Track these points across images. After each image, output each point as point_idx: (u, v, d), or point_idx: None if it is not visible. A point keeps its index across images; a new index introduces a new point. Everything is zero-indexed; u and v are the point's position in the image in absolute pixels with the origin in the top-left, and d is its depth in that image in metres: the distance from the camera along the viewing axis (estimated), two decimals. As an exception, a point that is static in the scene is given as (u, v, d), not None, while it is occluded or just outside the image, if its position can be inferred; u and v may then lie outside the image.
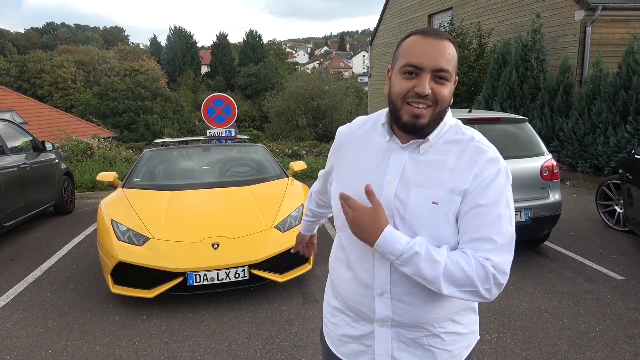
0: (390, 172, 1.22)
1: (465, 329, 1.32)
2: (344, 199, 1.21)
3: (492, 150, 1.20)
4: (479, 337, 1.41)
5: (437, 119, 1.18)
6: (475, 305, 1.37)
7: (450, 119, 1.25)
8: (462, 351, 1.32)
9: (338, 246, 1.39)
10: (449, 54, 1.13)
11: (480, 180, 1.16)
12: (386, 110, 1.28)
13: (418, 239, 1.14)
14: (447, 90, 1.15)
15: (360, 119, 1.40)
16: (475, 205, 1.15)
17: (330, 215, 1.61)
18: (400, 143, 1.23)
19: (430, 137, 1.20)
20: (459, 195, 1.16)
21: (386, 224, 1.16)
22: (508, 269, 1.15)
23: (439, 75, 1.13)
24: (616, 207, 5.69)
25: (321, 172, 1.62)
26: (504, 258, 1.14)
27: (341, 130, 1.41)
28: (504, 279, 1.13)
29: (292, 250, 1.96)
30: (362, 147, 1.31)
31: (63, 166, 7.08)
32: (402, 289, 1.22)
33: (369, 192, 1.18)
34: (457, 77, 1.21)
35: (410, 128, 1.17)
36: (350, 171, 1.31)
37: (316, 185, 1.70)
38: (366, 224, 1.16)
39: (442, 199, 1.16)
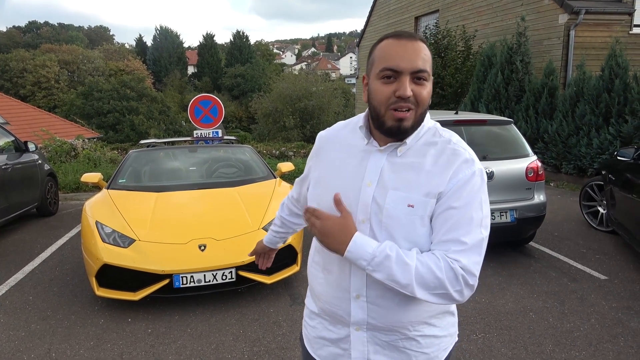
0: (368, 175, 1.22)
1: (442, 331, 1.32)
2: (310, 212, 1.22)
3: (469, 153, 1.21)
4: (457, 338, 1.41)
5: (419, 121, 1.19)
6: (454, 307, 1.37)
7: (429, 121, 1.25)
8: (439, 353, 1.32)
9: (315, 250, 1.39)
10: (425, 55, 1.14)
11: (455, 182, 1.17)
12: (365, 113, 1.29)
13: (387, 242, 1.15)
14: (426, 91, 1.16)
15: (340, 123, 1.40)
16: (448, 207, 1.16)
17: (301, 228, 1.58)
18: (378, 146, 1.24)
19: (408, 140, 1.21)
20: (434, 198, 1.17)
21: (355, 230, 1.17)
22: (477, 271, 1.15)
23: (417, 77, 1.13)
24: (599, 208, 5.78)
25: (298, 179, 1.58)
26: (473, 259, 1.15)
27: (321, 134, 1.41)
28: (473, 281, 1.13)
29: (248, 254, 1.89)
30: (341, 150, 1.31)
31: (46, 167, 6.96)
32: (377, 292, 1.22)
33: (337, 202, 1.20)
34: (432, 78, 1.21)
35: (395, 132, 1.17)
36: (328, 174, 1.31)
37: (292, 191, 1.65)
38: (336, 232, 1.17)
39: (417, 202, 1.17)
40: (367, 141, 1.26)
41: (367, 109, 1.27)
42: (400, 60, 1.12)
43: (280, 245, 1.81)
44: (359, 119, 1.31)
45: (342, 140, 1.33)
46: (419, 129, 1.22)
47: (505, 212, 4.53)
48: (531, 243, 5.19)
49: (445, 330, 1.34)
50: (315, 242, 1.40)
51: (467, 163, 1.19)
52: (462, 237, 1.14)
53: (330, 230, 1.17)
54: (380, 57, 1.16)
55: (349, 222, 1.18)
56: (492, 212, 4.51)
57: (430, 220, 1.18)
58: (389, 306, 1.22)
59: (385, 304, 1.22)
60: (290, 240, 3.79)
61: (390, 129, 1.17)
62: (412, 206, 1.17)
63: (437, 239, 1.16)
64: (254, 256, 1.83)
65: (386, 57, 1.14)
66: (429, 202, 1.17)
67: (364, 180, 1.22)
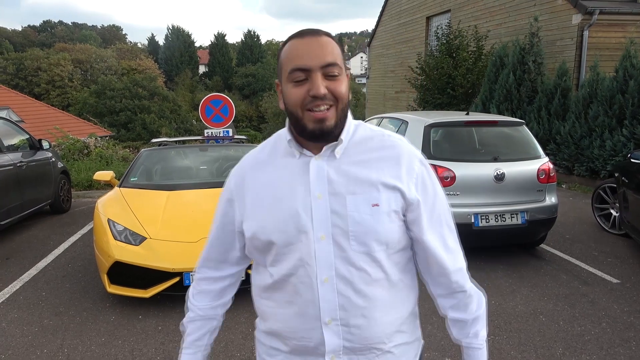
0: (315, 187, 1.12)
1: (410, 337, 1.26)
2: None
3: (407, 142, 1.20)
4: (423, 341, 1.33)
5: (342, 118, 1.11)
6: (417, 309, 1.30)
7: (352, 119, 1.19)
8: None
9: (265, 286, 1.22)
10: (332, 48, 1.08)
11: (413, 176, 1.15)
12: (284, 130, 1.20)
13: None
14: (343, 86, 1.09)
15: (252, 151, 1.27)
16: (420, 210, 1.16)
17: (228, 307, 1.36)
18: (313, 155, 1.14)
19: (343, 137, 1.13)
20: (397, 192, 1.13)
21: None
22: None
23: (329, 72, 1.06)
24: (612, 211, 5.71)
25: (212, 236, 1.33)
26: (462, 262, 1.27)
27: (235, 169, 1.26)
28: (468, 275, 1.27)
29: None
30: (269, 173, 1.18)
31: (59, 165, 7.06)
32: (351, 312, 1.13)
33: None
34: (349, 73, 1.15)
35: (319, 134, 1.09)
36: (264, 202, 1.17)
37: (208, 255, 1.33)
38: None
39: (380, 199, 1.11)
40: (299, 154, 1.15)
41: (287, 122, 1.19)
42: (306, 58, 1.05)
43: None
44: (278, 136, 1.23)
45: (266, 164, 1.20)
46: (347, 124, 1.15)
47: (516, 214, 4.50)
48: (542, 245, 5.15)
49: (414, 335, 1.27)
50: (261, 278, 1.24)
51: (414, 154, 1.17)
52: (446, 237, 1.23)
53: None
54: (287, 59, 1.08)
55: None
56: (503, 213, 4.49)
57: (402, 216, 1.15)
58: (365, 324, 1.15)
59: (361, 322, 1.14)
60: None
61: (312, 132, 1.08)
62: (377, 205, 1.11)
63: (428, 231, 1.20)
64: None
65: (292, 58, 1.07)
66: (391, 196, 1.12)
67: (312, 194, 1.12)
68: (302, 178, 1.14)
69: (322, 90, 1.05)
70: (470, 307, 1.24)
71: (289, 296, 1.16)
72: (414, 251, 1.24)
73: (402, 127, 5.30)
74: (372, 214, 1.11)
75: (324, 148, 1.13)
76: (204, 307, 1.32)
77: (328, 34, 1.11)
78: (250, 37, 52.43)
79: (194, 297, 1.33)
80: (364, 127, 1.19)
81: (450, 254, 1.22)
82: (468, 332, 1.24)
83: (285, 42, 1.12)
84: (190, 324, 1.32)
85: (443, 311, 1.27)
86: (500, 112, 9.85)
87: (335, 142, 1.13)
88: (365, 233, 1.11)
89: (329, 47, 1.08)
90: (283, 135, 1.20)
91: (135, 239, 3.70)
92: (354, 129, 1.18)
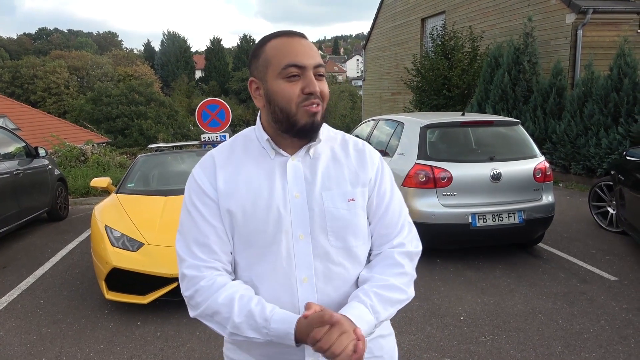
0: (293, 187, 1.14)
1: (384, 330, 1.27)
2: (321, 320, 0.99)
3: (362, 141, 1.28)
4: (393, 331, 1.34)
5: (324, 117, 1.17)
6: None
7: None
8: (392, 353, 1.30)
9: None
10: (317, 51, 1.13)
11: (377, 172, 1.23)
12: (251, 130, 1.22)
13: (357, 297, 1.11)
14: (327, 87, 1.15)
15: (214, 151, 1.21)
16: (379, 194, 1.22)
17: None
18: (288, 155, 1.17)
19: (322, 136, 1.18)
20: (366, 186, 1.21)
21: (346, 318, 1.03)
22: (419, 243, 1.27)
23: (318, 72, 1.11)
24: (609, 209, 5.73)
25: (197, 236, 1.16)
26: (413, 237, 1.26)
27: (197, 168, 1.20)
28: (416, 254, 1.24)
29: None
30: (244, 171, 1.16)
31: (56, 172, 7.04)
32: (331, 310, 1.08)
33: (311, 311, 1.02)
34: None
35: (309, 129, 1.12)
36: (241, 189, 1.14)
37: (208, 248, 1.15)
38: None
39: (355, 194, 1.18)
40: (274, 153, 1.17)
41: (254, 126, 1.21)
42: (302, 56, 1.09)
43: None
44: (247, 137, 1.21)
45: (240, 162, 1.18)
46: (322, 127, 1.20)
47: (514, 214, 4.51)
48: (540, 244, 5.15)
49: (387, 329, 1.29)
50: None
51: (374, 152, 1.27)
52: (404, 221, 1.25)
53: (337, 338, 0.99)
54: (279, 55, 1.09)
55: (345, 322, 1.02)
56: (500, 213, 4.49)
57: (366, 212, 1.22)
58: None
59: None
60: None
61: (304, 127, 1.11)
62: (353, 199, 1.18)
63: (374, 225, 1.23)
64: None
65: (286, 54, 1.09)
66: (364, 191, 1.20)
67: (289, 193, 1.14)
68: (279, 178, 1.15)
69: (317, 87, 1.10)
70: (399, 280, 1.17)
71: (266, 298, 1.11)
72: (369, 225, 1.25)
73: (398, 128, 5.31)
74: (348, 209, 1.17)
75: (303, 148, 1.17)
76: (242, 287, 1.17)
77: (306, 38, 1.16)
78: (247, 42, 52.57)
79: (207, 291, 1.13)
80: (326, 127, 1.24)
81: (401, 214, 1.26)
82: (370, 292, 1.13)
83: (266, 40, 1.13)
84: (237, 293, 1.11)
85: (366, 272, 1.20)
86: (496, 112, 9.88)
87: (312, 142, 1.17)
88: (343, 227, 1.16)
89: (315, 49, 1.13)
90: (252, 135, 1.21)
91: (133, 245, 3.70)
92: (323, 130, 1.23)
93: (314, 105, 1.10)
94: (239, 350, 1.22)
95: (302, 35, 1.14)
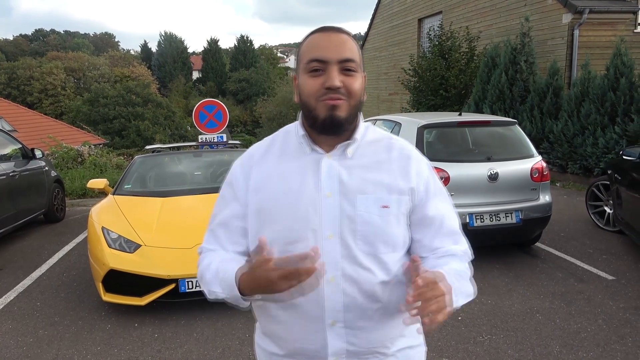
0: (326, 185, 1.12)
1: (413, 341, 1.24)
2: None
3: (411, 145, 1.23)
4: (426, 347, 1.31)
5: (354, 114, 1.12)
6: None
7: (363, 121, 1.22)
8: None
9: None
10: (351, 46, 1.10)
11: (422, 178, 1.17)
12: (293, 126, 1.21)
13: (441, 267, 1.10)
14: (357, 83, 1.10)
15: (255, 146, 1.25)
16: (429, 203, 1.18)
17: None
18: (324, 152, 1.15)
19: (357, 135, 1.15)
20: (406, 195, 1.14)
21: None
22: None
23: (346, 67, 1.08)
24: (606, 208, 5.74)
25: (215, 224, 1.25)
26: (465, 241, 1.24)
27: (237, 162, 1.23)
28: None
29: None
30: (278, 166, 1.17)
31: (53, 174, 7.02)
32: (356, 313, 1.12)
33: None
34: (365, 74, 1.17)
35: (329, 123, 1.09)
36: (273, 184, 1.15)
37: (217, 238, 1.23)
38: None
39: (390, 201, 1.13)
40: (310, 149, 1.15)
41: (299, 119, 1.20)
42: (325, 51, 1.08)
43: None
44: (287, 131, 1.22)
45: (277, 155, 1.19)
46: (361, 126, 1.17)
47: (511, 213, 4.51)
48: (537, 244, 5.16)
49: (416, 340, 1.26)
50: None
51: (420, 158, 1.21)
52: (454, 229, 1.22)
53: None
54: (306, 51, 1.11)
55: None
56: (498, 213, 4.50)
57: (407, 220, 1.17)
58: (370, 326, 1.13)
59: (365, 325, 1.13)
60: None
61: (324, 121, 1.09)
62: (387, 207, 1.12)
63: (430, 238, 1.19)
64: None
65: (311, 50, 1.09)
66: (402, 199, 1.14)
67: (322, 192, 1.12)
68: (313, 175, 1.13)
69: (337, 82, 1.06)
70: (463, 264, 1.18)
71: (289, 296, 1.12)
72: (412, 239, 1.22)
73: (395, 128, 5.31)
74: (380, 215, 1.12)
75: (338, 146, 1.14)
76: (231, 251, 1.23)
77: (348, 33, 1.14)
78: (244, 42, 52.43)
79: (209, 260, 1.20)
80: (373, 129, 1.22)
81: (455, 226, 1.24)
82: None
83: (306, 37, 1.15)
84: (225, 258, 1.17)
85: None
86: (493, 112, 9.90)
87: (348, 141, 1.14)
88: (373, 234, 1.12)
89: (349, 44, 1.10)
90: (292, 130, 1.21)
91: (130, 246, 3.69)
92: (364, 130, 1.19)
93: (333, 100, 1.08)
94: (268, 340, 1.24)
95: (338, 30, 1.12)
